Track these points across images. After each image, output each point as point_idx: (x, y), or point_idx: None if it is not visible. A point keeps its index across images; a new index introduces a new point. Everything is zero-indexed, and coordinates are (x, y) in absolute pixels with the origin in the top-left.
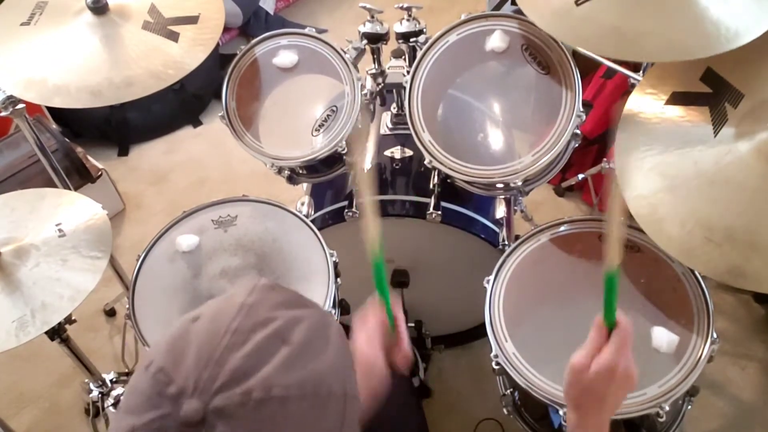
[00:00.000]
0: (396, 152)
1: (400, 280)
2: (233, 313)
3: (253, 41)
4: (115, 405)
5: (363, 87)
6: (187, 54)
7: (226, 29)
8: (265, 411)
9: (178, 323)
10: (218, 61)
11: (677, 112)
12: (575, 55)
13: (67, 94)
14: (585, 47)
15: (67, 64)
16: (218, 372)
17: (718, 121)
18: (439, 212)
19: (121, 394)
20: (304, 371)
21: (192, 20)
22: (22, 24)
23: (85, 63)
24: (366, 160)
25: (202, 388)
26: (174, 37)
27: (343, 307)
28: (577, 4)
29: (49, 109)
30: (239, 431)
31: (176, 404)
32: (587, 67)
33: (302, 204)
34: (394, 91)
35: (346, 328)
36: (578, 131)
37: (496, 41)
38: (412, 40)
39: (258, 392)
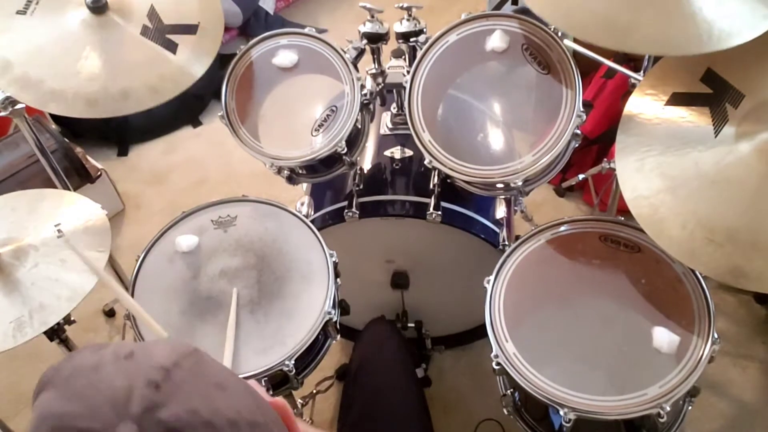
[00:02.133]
0: (396, 152)
1: (400, 280)
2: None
3: (253, 41)
4: None
5: (363, 87)
6: (186, 68)
7: (226, 29)
8: (173, 379)
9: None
10: (218, 61)
11: (678, 112)
12: (576, 55)
13: (63, 101)
14: (577, 34)
15: (64, 67)
16: (117, 397)
17: (719, 122)
18: (439, 212)
19: None
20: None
21: (191, 30)
22: (18, 12)
23: (83, 69)
24: (364, 160)
25: (116, 416)
26: (173, 48)
27: (343, 307)
28: None
29: None
30: (176, 404)
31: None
32: (588, 67)
33: (302, 204)
34: (394, 91)
35: (346, 329)
36: (579, 131)
37: (496, 41)
38: (412, 39)
39: (154, 375)
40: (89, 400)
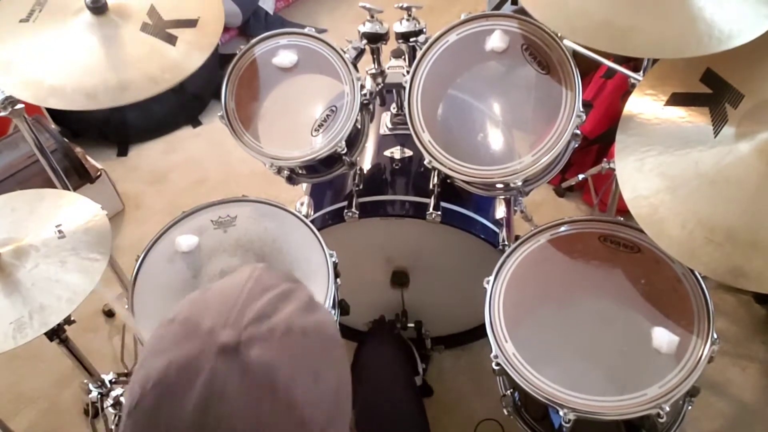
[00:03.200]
0: (396, 152)
1: (400, 280)
2: (243, 281)
3: (253, 41)
4: (114, 405)
5: (363, 87)
6: (185, 58)
7: (226, 29)
8: (290, 340)
9: (190, 295)
10: (218, 61)
11: (677, 112)
12: (575, 55)
13: (62, 96)
14: (579, 40)
15: (63, 65)
16: (244, 312)
17: (719, 122)
18: (439, 212)
19: (121, 395)
20: (314, 318)
21: (191, 24)
22: (21, 21)
23: (82, 64)
24: (364, 160)
25: (232, 322)
26: (172, 40)
27: (343, 307)
28: None
29: (48, 109)
30: (272, 353)
31: (211, 336)
32: (587, 67)
33: (302, 204)
34: (394, 91)
35: (346, 329)
36: (578, 131)
37: (496, 41)
38: (411, 39)
39: (282, 327)
40: (205, 302)
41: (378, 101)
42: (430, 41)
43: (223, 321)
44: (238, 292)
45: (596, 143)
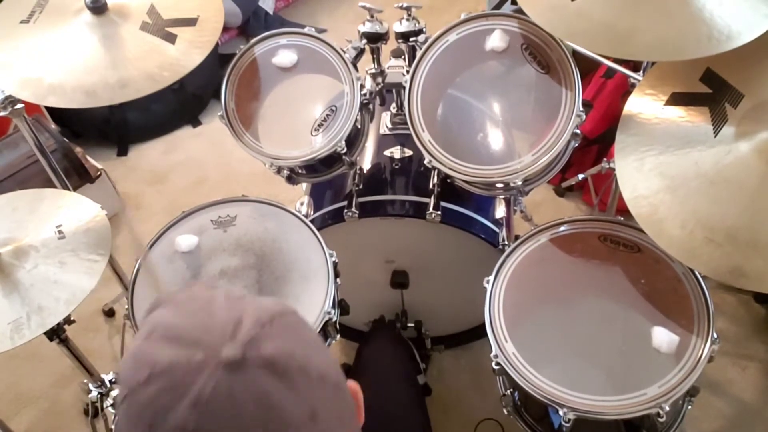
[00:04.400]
0: (396, 152)
1: (400, 280)
2: (176, 309)
3: (253, 41)
4: (114, 405)
5: (362, 87)
6: (184, 56)
7: (226, 29)
8: (277, 325)
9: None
10: (217, 61)
11: (677, 112)
12: (575, 54)
13: (62, 94)
14: (578, 43)
15: (63, 64)
16: (221, 327)
17: (718, 122)
18: (439, 212)
19: None
20: (265, 302)
21: (190, 22)
22: (21, 21)
23: (82, 63)
24: (364, 160)
25: (220, 339)
26: (171, 39)
27: (343, 307)
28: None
29: (48, 109)
30: (278, 342)
31: (211, 363)
32: (587, 66)
33: (302, 204)
34: (394, 90)
35: (346, 328)
36: (578, 131)
37: (495, 41)
38: (411, 39)
39: (263, 316)
40: (203, 320)
41: (378, 101)
42: (429, 41)
43: (208, 344)
44: (191, 314)
45: (596, 143)
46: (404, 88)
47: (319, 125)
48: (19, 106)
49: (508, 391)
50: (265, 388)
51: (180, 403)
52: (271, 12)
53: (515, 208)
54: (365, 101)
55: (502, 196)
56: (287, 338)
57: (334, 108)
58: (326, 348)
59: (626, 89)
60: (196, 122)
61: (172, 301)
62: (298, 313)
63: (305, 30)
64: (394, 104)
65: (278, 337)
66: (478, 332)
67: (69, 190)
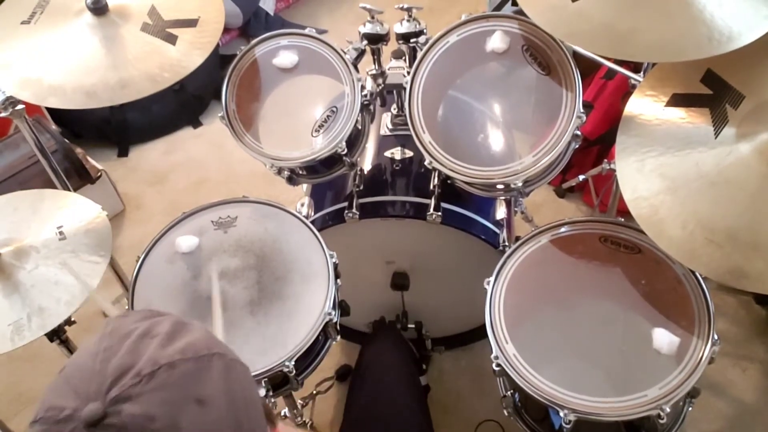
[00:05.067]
0: (396, 153)
1: (401, 281)
2: (96, 341)
3: (253, 42)
4: None
5: (363, 88)
6: (184, 57)
7: (226, 30)
8: (157, 380)
9: (49, 385)
10: (218, 62)
11: (678, 113)
12: (576, 55)
13: (62, 95)
14: (578, 44)
15: (64, 65)
16: (105, 374)
17: (719, 123)
18: (440, 213)
19: None
20: (180, 344)
21: (191, 23)
22: (22, 22)
23: (82, 64)
24: (364, 161)
25: (95, 391)
26: (172, 39)
27: (343, 308)
28: (573, 0)
29: (49, 110)
30: (143, 405)
31: (75, 418)
32: (588, 67)
33: (302, 205)
34: (395, 91)
35: (346, 329)
36: (579, 132)
37: (496, 42)
38: (412, 40)
39: (147, 368)
40: (96, 365)
41: (378, 102)
42: (430, 42)
43: (84, 396)
44: (94, 355)
45: (597, 144)
46: (405, 89)
47: (319, 126)
48: (20, 106)
49: (509, 393)
50: None
51: None
52: (271, 13)
53: (516, 209)
54: (366, 102)
55: (503, 198)
56: (157, 398)
57: (334, 109)
58: (225, 404)
59: (627, 90)
60: (196, 123)
61: (107, 328)
62: (214, 359)
63: (306, 31)
64: (394, 105)
65: (148, 397)
66: (478, 333)
67: (69, 190)
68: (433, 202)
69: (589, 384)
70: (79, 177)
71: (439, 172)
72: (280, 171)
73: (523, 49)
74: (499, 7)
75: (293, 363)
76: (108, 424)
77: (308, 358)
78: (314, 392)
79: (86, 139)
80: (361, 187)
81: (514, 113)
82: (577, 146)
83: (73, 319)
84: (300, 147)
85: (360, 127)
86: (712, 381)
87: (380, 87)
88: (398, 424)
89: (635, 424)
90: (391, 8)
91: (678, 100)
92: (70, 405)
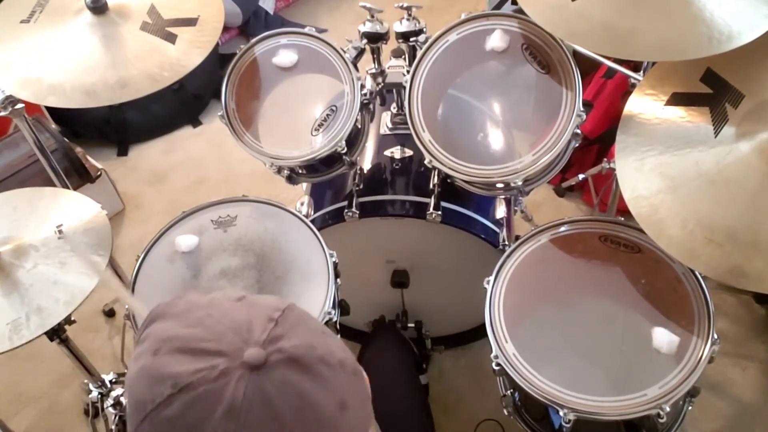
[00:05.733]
0: (396, 152)
1: (400, 280)
2: (178, 323)
3: (253, 41)
4: (114, 406)
5: (363, 86)
6: (184, 56)
7: (226, 29)
8: (289, 319)
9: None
10: (218, 61)
11: (677, 112)
12: (576, 54)
13: (62, 94)
14: (578, 43)
15: (63, 64)
16: (238, 330)
17: (719, 122)
18: (439, 212)
19: (121, 395)
20: (269, 297)
21: (191, 22)
22: (22, 21)
23: (82, 63)
24: (364, 160)
25: (241, 343)
26: (171, 38)
27: (343, 307)
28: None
29: (49, 109)
30: (295, 338)
31: (234, 368)
32: (588, 66)
33: (302, 204)
34: (394, 90)
35: (346, 329)
36: (578, 131)
37: (496, 41)
38: (412, 39)
39: (275, 313)
40: (213, 327)
41: (378, 101)
42: (430, 41)
43: (230, 349)
44: (199, 322)
45: (596, 143)
46: (404, 88)
47: (319, 125)
48: (20, 106)
49: (509, 392)
50: (295, 384)
51: (214, 414)
52: (271, 12)
53: (516, 208)
54: (365, 101)
55: (503, 196)
56: (301, 331)
57: (334, 108)
58: (334, 334)
59: (626, 89)
60: (196, 122)
61: (169, 313)
62: (297, 306)
63: (305, 30)
64: (394, 104)
65: (292, 332)
66: (478, 332)
67: (69, 189)
68: (432, 201)
69: (588, 383)
70: (78, 176)
71: (439, 171)
72: (279, 170)
73: (522, 48)
74: (498, 6)
75: None
76: (275, 361)
77: None
78: None
79: (86, 138)
80: (361, 186)
81: (514, 112)
82: (576, 145)
83: (73, 318)
84: (300, 146)
85: (360, 126)
86: (711, 380)
87: (380, 86)
88: (398, 423)
89: (635, 423)
90: (391, 7)
91: (678, 99)
92: (220, 364)
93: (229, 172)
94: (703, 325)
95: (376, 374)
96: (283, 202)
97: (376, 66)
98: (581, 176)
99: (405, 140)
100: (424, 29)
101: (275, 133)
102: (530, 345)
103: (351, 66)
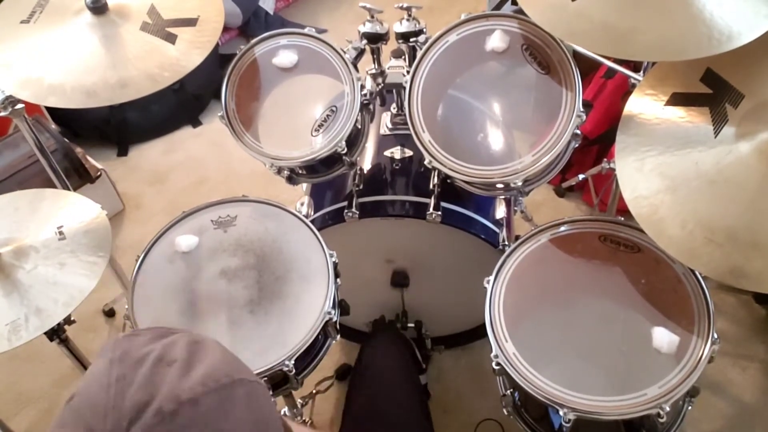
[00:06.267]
0: (396, 152)
1: (400, 280)
2: (106, 368)
3: (253, 41)
4: None
5: (363, 87)
6: (184, 56)
7: (226, 29)
8: (180, 419)
9: (59, 413)
10: (218, 61)
11: (677, 112)
12: (575, 55)
13: (62, 94)
14: (578, 43)
15: (63, 64)
16: (120, 414)
17: (719, 122)
18: (439, 212)
19: None
20: (199, 371)
21: (191, 22)
22: (22, 22)
23: (82, 63)
24: (364, 160)
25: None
26: (171, 39)
27: (343, 307)
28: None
29: (49, 109)
30: None
31: None
32: (588, 67)
33: (302, 204)
34: (394, 91)
35: (346, 329)
36: (578, 131)
37: (496, 41)
38: (412, 40)
39: (168, 405)
40: (110, 400)
41: (378, 101)
42: (430, 41)
43: None
44: (106, 386)
45: (596, 143)
46: (404, 88)
47: (319, 126)
48: (20, 106)
49: (509, 392)
50: None
51: None
52: (271, 12)
53: (515, 208)
54: (365, 101)
55: (503, 197)
56: None
57: (334, 108)
58: (263, 425)
59: (626, 89)
60: (196, 122)
61: (115, 351)
62: (235, 386)
63: (305, 30)
64: (394, 104)
65: None
66: (478, 332)
67: (69, 190)
68: (432, 201)
69: (588, 383)
70: (78, 176)
71: (439, 172)
72: (279, 170)
73: (522, 49)
74: (498, 7)
75: (293, 362)
76: None
77: (308, 358)
78: (314, 391)
79: (86, 138)
80: (361, 187)
81: (514, 112)
82: (576, 145)
83: (73, 318)
84: (300, 146)
85: (360, 127)
86: (711, 380)
87: (380, 86)
88: (398, 423)
89: (635, 423)
90: (391, 7)
91: (678, 99)
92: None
93: (229, 173)
94: (703, 325)
95: (376, 374)
96: (283, 202)
97: (376, 66)
98: (581, 176)
99: (405, 140)
100: (424, 30)
101: (275, 134)
102: (530, 344)
103: (351, 66)
